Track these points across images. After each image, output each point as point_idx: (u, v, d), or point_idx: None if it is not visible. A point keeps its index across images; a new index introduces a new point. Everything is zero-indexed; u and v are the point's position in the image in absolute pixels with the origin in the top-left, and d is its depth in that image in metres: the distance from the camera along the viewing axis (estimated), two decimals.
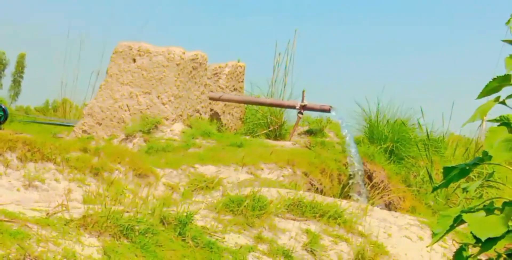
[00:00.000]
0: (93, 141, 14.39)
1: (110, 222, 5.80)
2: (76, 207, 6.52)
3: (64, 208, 6.00)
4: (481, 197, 13.56)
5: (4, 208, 5.83)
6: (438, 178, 14.42)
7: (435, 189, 3.13)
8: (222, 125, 16.96)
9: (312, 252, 7.09)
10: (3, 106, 13.74)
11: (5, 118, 13.64)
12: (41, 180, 8.90)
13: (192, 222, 6.50)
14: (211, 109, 16.94)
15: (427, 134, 16.32)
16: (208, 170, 11.48)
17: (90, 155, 10.01)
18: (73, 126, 16.94)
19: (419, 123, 16.56)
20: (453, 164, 2.93)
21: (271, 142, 15.02)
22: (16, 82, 55.67)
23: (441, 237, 2.83)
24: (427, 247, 8.15)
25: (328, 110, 15.69)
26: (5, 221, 5.29)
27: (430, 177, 14.62)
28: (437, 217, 3.01)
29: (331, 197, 9.42)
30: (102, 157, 10.12)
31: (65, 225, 5.65)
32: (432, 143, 16.28)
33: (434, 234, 2.85)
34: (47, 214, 5.86)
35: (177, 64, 14.97)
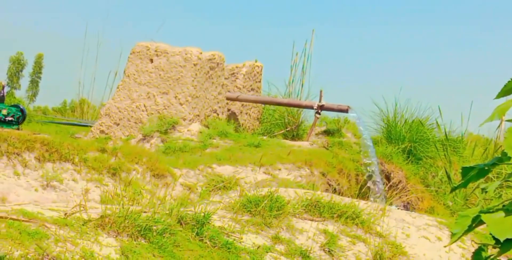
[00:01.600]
0: (110, 141, 14.44)
1: (128, 222, 5.82)
2: (94, 207, 6.55)
3: (82, 208, 6.02)
4: (500, 197, 13.50)
5: (23, 208, 5.86)
6: (457, 178, 14.37)
7: (453, 189, 3.11)
8: (240, 126, 16.97)
9: (330, 253, 7.08)
10: (21, 107, 13.80)
11: (23, 119, 13.70)
12: (59, 180, 8.94)
13: (210, 222, 6.51)
14: (229, 110, 16.95)
15: (446, 134, 16.26)
16: (226, 170, 11.48)
17: (107, 155, 10.04)
18: (90, 126, 17.00)
19: (437, 123, 16.51)
20: (472, 164, 2.92)
21: (289, 142, 15.01)
22: (34, 83, 55.89)
23: (460, 238, 2.82)
24: (445, 247, 8.12)
25: (346, 111, 15.66)
26: (23, 221, 5.32)
27: (448, 177, 14.57)
28: (455, 217, 3.00)
29: (348, 197, 9.40)
30: (119, 157, 10.15)
31: (83, 225, 5.67)
32: (451, 143, 16.22)
33: (452, 234, 2.84)
34: (65, 214, 5.88)
35: (194, 65, 14.99)
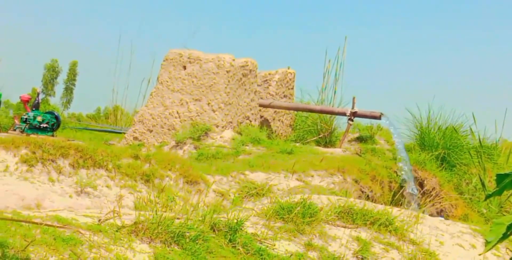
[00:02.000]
0: (144, 147, 14.50)
1: (161, 229, 5.84)
2: (128, 213, 6.58)
3: (115, 215, 6.05)
4: None
5: (57, 214, 5.90)
6: (491, 185, 14.25)
7: (488, 196, 3.09)
8: (272, 132, 16.98)
9: None
10: (56, 114, 13.91)
11: (58, 126, 13.81)
12: (93, 187, 8.99)
13: (243, 228, 6.51)
14: (261, 116, 16.97)
15: (480, 141, 16.13)
16: (258, 177, 11.48)
17: (141, 162, 10.09)
18: (124, 133, 17.11)
19: (471, 130, 16.38)
20: (507, 171, 2.90)
21: (321, 149, 14.98)
22: (69, 90, 56.35)
23: (494, 245, 2.80)
24: (479, 255, 8.05)
25: (379, 117, 15.61)
26: (58, 227, 5.35)
27: (482, 184, 14.45)
28: (490, 225, 2.97)
29: (382, 204, 9.36)
30: (153, 163, 10.19)
31: (116, 231, 5.70)
32: (485, 149, 16.08)
33: (487, 242, 2.82)
34: (99, 220, 5.92)
35: (227, 71, 15.02)
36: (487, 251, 2.76)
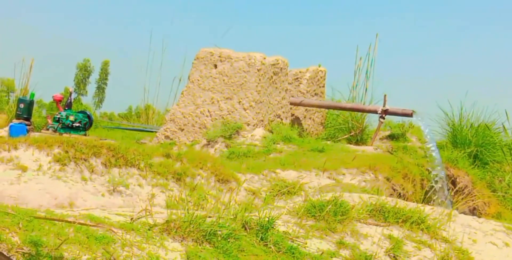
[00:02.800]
0: (175, 146, 14.56)
1: (193, 227, 5.85)
2: (159, 211, 6.59)
3: (147, 213, 6.07)
4: None
5: (90, 213, 5.93)
6: None
7: None
8: (303, 130, 16.95)
9: (395, 258, 7.02)
10: (88, 113, 14.02)
11: (90, 125, 13.92)
12: (125, 185, 9.04)
13: (274, 227, 6.50)
14: (292, 114, 16.95)
15: None
16: (289, 175, 11.47)
17: (172, 160, 10.12)
18: (155, 132, 17.17)
19: (504, 127, 16.23)
20: None
21: (353, 147, 14.94)
22: (100, 89, 56.71)
23: None
24: None
25: (410, 115, 15.53)
26: (91, 225, 5.38)
27: None
28: None
29: (413, 202, 9.30)
30: (184, 162, 10.21)
31: (149, 229, 5.72)
32: None
33: None
34: (131, 218, 5.94)
35: (258, 70, 15.02)
36: None
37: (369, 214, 7.86)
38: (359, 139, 16.62)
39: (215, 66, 15.48)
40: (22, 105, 13.85)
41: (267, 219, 6.44)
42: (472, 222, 8.95)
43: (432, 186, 13.84)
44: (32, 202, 7.97)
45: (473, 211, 13.23)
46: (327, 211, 7.32)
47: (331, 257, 6.53)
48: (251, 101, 14.89)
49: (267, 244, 6.20)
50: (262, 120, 15.19)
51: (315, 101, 17.32)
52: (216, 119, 15.04)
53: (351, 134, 16.71)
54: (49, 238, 4.87)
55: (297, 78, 17.54)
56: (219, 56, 15.49)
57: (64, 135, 12.61)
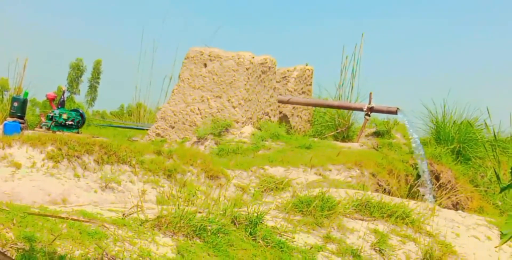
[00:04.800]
0: (166, 143, 14.55)
1: (184, 222, 5.85)
2: (151, 207, 6.60)
3: (139, 209, 6.07)
4: None
5: (83, 209, 5.93)
6: (506, 178, 14.15)
7: (503, 189, 3.07)
8: (291, 128, 16.96)
9: (380, 252, 7.03)
10: (81, 111, 13.98)
11: (83, 123, 13.88)
12: (117, 182, 9.03)
13: (263, 222, 6.51)
14: (280, 112, 16.95)
15: (494, 135, 16.02)
16: (278, 171, 11.48)
17: (163, 157, 10.11)
18: (147, 129, 17.16)
19: (486, 124, 16.26)
20: None
21: (339, 144, 14.96)
22: (93, 88, 56.53)
23: (510, 238, 2.78)
24: (495, 247, 8.01)
25: (395, 112, 15.56)
26: (83, 221, 5.38)
27: (497, 177, 14.35)
28: (505, 217, 2.96)
29: (398, 197, 9.32)
30: (175, 159, 10.21)
31: (140, 225, 5.72)
32: (500, 143, 15.98)
33: (502, 235, 2.80)
34: (123, 214, 5.94)
35: (247, 69, 15.02)
36: (503, 243, 2.74)
37: (355, 209, 7.88)
38: (345, 136, 16.65)
39: (205, 65, 15.47)
40: (16, 104, 13.81)
41: (255, 214, 6.44)
42: (455, 217, 8.99)
43: (419, 175, 13.89)
44: (26, 199, 7.96)
45: (456, 206, 13.26)
46: (314, 206, 7.33)
47: (318, 251, 6.54)
48: (240, 100, 14.88)
49: (255, 239, 6.21)
50: (250, 118, 15.19)
51: (302, 99, 17.33)
52: (206, 117, 15.03)
53: (338, 131, 16.74)
54: (43, 234, 4.86)
55: (285, 77, 17.54)
56: (209, 56, 15.48)
57: (58, 132, 12.57)
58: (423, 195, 13.29)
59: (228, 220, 6.31)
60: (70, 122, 13.47)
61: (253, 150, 13.40)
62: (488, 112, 16.14)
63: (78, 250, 4.82)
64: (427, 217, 8.21)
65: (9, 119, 13.66)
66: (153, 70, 29.12)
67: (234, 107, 14.88)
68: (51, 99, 14.22)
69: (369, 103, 15.76)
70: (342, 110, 16.81)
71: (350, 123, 16.91)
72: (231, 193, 9.70)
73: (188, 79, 15.53)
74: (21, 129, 12.97)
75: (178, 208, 5.99)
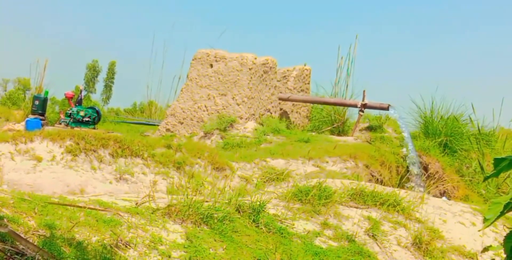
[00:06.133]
0: (175, 138, 14.53)
1: (192, 211, 5.85)
2: (161, 197, 6.59)
3: (151, 198, 6.07)
4: None
5: (99, 199, 5.93)
6: (489, 168, 14.13)
7: (486, 178, 3.06)
8: (291, 123, 16.95)
9: (373, 237, 7.03)
10: (97, 109, 13.98)
11: (99, 119, 13.88)
12: (131, 173, 9.03)
13: (265, 210, 6.51)
14: (281, 109, 16.94)
15: (479, 128, 16.01)
16: (278, 163, 11.47)
17: (173, 151, 10.11)
18: (158, 125, 17.14)
19: (470, 118, 16.24)
20: (503, 156, 2.87)
21: (335, 137, 14.96)
22: (108, 87, 56.55)
23: (492, 222, 2.77)
24: (479, 231, 8.00)
25: (387, 108, 15.56)
26: (100, 210, 5.38)
27: (481, 167, 14.34)
28: (488, 204, 2.96)
29: (390, 187, 9.31)
30: (183, 152, 10.20)
31: (152, 213, 5.71)
32: (483, 136, 15.97)
33: (485, 220, 2.79)
34: (136, 203, 5.94)
35: (250, 69, 15.00)
36: (486, 227, 2.73)
37: (350, 198, 7.88)
38: (341, 130, 16.64)
39: (211, 65, 15.45)
40: (37, 102, 13.80)
41: (258, 203, 6.44)
42: (443, 204, 8.97)
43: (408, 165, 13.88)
44: (46, 189, 7.96)
45: (443, 194, 13.25)
46: (312, 195, 7.32)
47: (316, 237, 6.53)
48: (243, 97, 14.87)
49: (258, 225, 6.20)
50: (253, 114, 15.18)
51: (301, 96, 17.31)
52: (212, 113, 15.02)
53: (334, 126, 16.73)
54: (62, 222, 4.86)
55: (285, 76, 17.52)
56: (215, 57, 15.46)
57: (75, 128, 12.57)
58: (413, 185, 13.28)
59: (233, 208, 6.31)
60: (87, 119, 13.46)
61: (256, 144, 13.39)
62: (473, 108, 16.14)
63: (94, 237, 4.82)
64: (416, 204, 8.20)
65: (31, 116, 13.66)
66: (164, 71, 29.16)
67: (238, 104, 14.87)
68: (69, 98, 14.22)
69: (363, 100, 15.75)
70: (337, 106, 16.81)
71: (345, 118, 16.91)
72: (236, 183, 9.70)
73: (196, 78, 15.52)
74: (42, 125, 12.97)
75: (187, 198, 5.99)
